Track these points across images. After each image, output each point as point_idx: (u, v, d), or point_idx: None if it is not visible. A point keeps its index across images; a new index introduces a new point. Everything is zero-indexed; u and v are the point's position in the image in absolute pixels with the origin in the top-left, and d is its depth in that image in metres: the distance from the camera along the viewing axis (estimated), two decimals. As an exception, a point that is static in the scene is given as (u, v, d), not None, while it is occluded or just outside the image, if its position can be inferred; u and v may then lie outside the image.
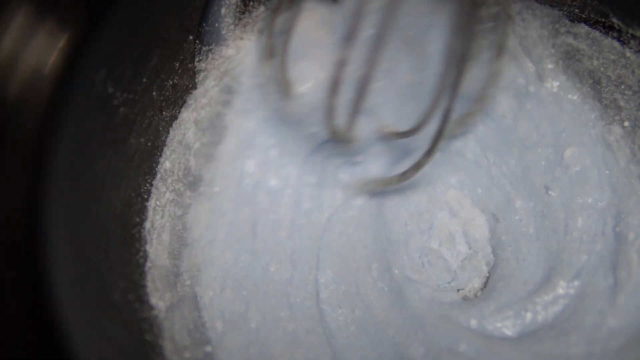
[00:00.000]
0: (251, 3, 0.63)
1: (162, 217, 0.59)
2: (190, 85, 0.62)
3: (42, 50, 0.47)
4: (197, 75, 0.62)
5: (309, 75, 0.61)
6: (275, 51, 0.59)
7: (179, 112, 0.61)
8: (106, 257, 0.52)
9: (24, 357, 0.43)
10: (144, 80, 0.56)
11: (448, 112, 0.56)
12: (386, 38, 0.51)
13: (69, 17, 0.47)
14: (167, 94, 0.59)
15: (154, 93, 0.57)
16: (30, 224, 0.45)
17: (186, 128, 0.62)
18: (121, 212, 0.54)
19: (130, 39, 0.53)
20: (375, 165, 0.69)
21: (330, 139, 0.61)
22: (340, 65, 0.52)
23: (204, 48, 0.62)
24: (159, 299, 0.55)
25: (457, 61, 0.54)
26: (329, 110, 0.56)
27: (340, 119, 0.57)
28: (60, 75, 0.48)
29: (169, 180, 0.60)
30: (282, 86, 0.59)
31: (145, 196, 0.58)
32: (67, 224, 0.48)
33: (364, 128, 0.62)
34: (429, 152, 0.58)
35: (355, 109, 0.55)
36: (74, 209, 0.49)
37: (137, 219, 0.57)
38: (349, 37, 0.51)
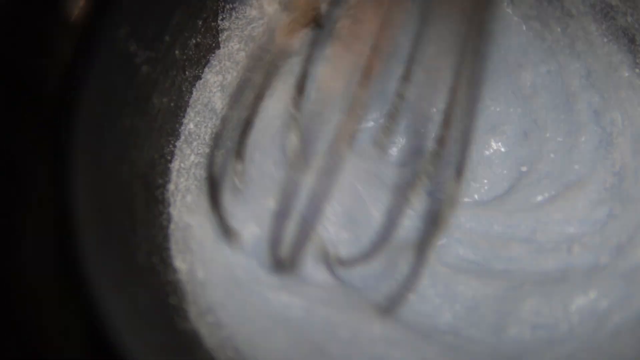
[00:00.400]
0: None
1: (187, 179, 0.58)
2: (214, 45, 0.61)
3: (65, 6, 0.46)
4: (220, 35, 0.61)
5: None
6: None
7: (202, 72, 0.60)
8: (130, 218, 0.52)
9: (50, 319, 0.42)
10: (166, 38, 0.55)
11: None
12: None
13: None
14: (190, 53, 0.58)
15: (176, 52, 0.56)
16: (54, 183, 0.44)
17: (211, 92, 0.61)
18: (144, 173, 0.54)
19: (152, -5, 0.52)
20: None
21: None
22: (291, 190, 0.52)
23: (227, 6, 0.60)
24: (182, 261, 0.55)
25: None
26: (273, 242, 0.55)
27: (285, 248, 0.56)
28: (82, 32, 0.47)
29: (195, 144, 0.59)
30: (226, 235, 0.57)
31: (169, 158, 0.57)
32: (91, 184, 0.47)
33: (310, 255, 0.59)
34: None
35: (304, 237, 0.54)
36: (97, 168, 0.48)
37: (161, 181, 0.56)
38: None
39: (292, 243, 0.56)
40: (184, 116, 0.59)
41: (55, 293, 0.42)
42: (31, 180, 0.43)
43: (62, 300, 0.42)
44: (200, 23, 0.58)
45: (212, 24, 0.60)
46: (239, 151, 0.57)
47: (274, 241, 0.56)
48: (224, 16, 0.61)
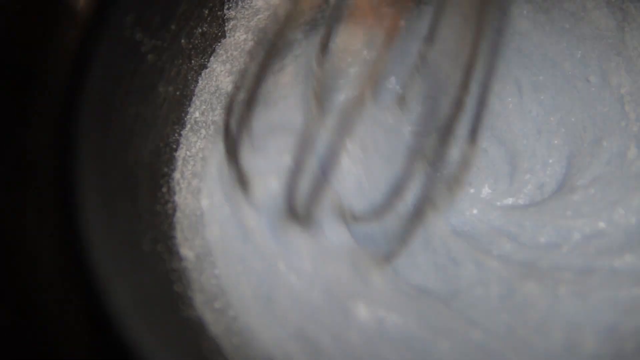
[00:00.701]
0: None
1: (194, 166, 0.58)
2: (220, 34, 0.61)
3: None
4: (226, 24, 0.61)
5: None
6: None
7: (208, 61, 0.60)
8: (135, 207, 0.52)
9: (56, 307, 0.43)
10: (173, 27, 0.54)
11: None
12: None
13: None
14: (196, 41, 0.58)
15: (182, 40, 0.56)
16: (60, 171, 0.45)
17: (218, 80, 0.61)
18: (150, 162, 0.54)
19: (158, -16, 0.52)
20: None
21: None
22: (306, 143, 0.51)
23: (233, -6, 0.60)
24: (188, 249, 0.55)
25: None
26: (288, 194, 0.54)
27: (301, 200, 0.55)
28: (88, 21, 0.47)
29: (202, 132, 0.60)
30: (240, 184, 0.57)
31: (174, 146, 0.57)
32: (96, 172, 0.47)
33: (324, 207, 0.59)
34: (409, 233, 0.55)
35: (319, 190, 0.54)
36: (103, 157, 0.48)
37: (166, 169, 0.56)
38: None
39: (307, 196, 0.55)
40: (189, 105, 0.59)
41: (60, 280, 0.42)
42: (37, 168, 0.44)
43: (67, 287, 0.42)
44: (206, 12, 0.58)
45: (218, 13, 0.60)
46: (253, 103, 0.56)
47: (290, 193, 0.55)
48: (230, 5, 0.60)
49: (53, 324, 0.41)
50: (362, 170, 0.62)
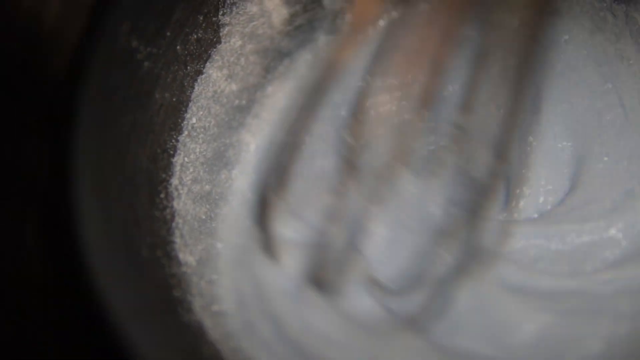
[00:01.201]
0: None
1: (193, 172, 0.59)
2: (215, 40, 0.61)
3: (66, 2, 0.46)
4: (221, 30, 0.61)
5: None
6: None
7: (204, 67, 0.60)
8: (133, 213, 0.52)
9: (54, 313, 0.43)
10: (168, 34, 0.55)
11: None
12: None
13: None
14: (192, 48, 0.58)
15: (178, 47, 0.56)
16: (57, 178, 0.45)
17: (214, 86, 0.62)
18: (147, 168, 0.54)
19: (153, -9, 0.53)
20: None
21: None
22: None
23: (228, 1, 0.60)
24: (187, 254, 0.55)
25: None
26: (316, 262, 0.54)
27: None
28: (84, 29, 0.48)
29: (199, 138, 0.60)
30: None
31: (172, 152, 0.57)
32: (93, 179, 0.48)
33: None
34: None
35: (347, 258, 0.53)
36: (100, 163, 0.49)
37: (164, 175, 0.56)
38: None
39: (335, 264, 0.55)
40: (186, 111, 0.59)
41: (58, 286, 0.43)
42: (34, 175, 0.44)
43: (65, 293, 0.43)
44: (201, 18, 0.58)
45: (213, 19, 0.60)
46: (286, 172, 0.56)
47: (318, 261, 0.55)
48: (225, 11, 0.61)
49: (51, 330, 0.42)
50: (392, 243, 0.59)
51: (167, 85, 0.56)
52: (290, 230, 0.58)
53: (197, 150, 0.60)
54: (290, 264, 0.57)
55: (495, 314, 0.54)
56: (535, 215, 0.61)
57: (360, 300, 0.56)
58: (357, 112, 0.57)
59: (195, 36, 0.58)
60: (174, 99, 0.57)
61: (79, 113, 0.46)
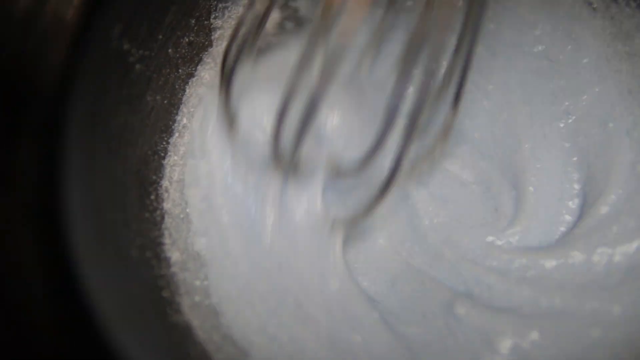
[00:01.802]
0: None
1: (183, 174, 0.59)
2: (207, 43, 0.61)
3: (59, 5, 0.46)
4: (213, 33, 0.62)
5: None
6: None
7: (195, 70, 0.61)
8: (123, 214, 0.53)
9: (43, 315, 0.43)
10: (160, 37, 0.55)
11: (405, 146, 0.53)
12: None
13: (84, -28, 0.47)
14: (183, 51, 0.59)
15: (169, 50, 0.57)
16: (47, 180, 0.45)
17: (205, 89, 0.62)
18: (138, 170, 0.55)
19: (145, -5, 0.53)
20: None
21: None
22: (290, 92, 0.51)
23: (220, 5, 0.61)
24: (177, 253, 0.56)
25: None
26: (274, 136, 0.54)
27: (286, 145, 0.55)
28: (76, 31, 0.48)
29: (187, 139, 0.60)
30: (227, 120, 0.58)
31: (162, 154, 0.58)
32: (84, 180, 0.48)
33: (312, 156, 0.60)
34: (380, 197, 0.55)
35: (301, 133, 0.53)
36: (90, 165, 0.49)
37: (154, 177, 0.57)
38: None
39: (293, 139, 0.54)
40: (177, 113, 0.60)
41: (47, 288, 0.43)
42: (24, 176, 0.44)
43: (54, 295, 0.43)
44: (193, 22, 0.59)
45: (205, 22, 0.60)
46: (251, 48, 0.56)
47: (276, 134, 0.54)
48: (217, 15, 0.61)
49: (40, 333, 0.42)
50: (351, 127, 0.63)
51: (159, 87, 0.56)
52: (248, 106, 0.60)
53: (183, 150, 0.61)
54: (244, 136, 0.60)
55: None
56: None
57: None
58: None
59: (187, 39, 0.59)
60: (165, 102, 0.58)
61: (70, 115, 0.46)
